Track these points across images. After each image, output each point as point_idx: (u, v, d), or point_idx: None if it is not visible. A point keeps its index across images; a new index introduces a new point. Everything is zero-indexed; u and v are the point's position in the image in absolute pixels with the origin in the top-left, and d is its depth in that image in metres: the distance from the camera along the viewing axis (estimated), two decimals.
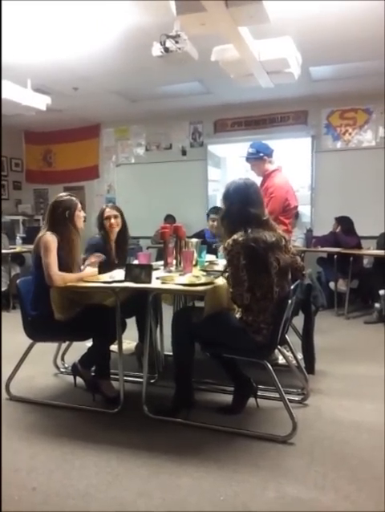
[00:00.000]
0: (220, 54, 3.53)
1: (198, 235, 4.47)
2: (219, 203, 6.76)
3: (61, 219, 2.75)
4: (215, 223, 4.41)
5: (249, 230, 2.31)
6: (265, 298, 2.32)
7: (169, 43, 2.96)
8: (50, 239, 2.65)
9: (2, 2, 3.19)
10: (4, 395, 2.85)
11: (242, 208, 2.38)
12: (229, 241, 2.31)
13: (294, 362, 2.94)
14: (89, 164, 7.59)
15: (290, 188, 3.65)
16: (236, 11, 2.68)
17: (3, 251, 5.48)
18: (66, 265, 2.69)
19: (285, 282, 2.42)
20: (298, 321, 2.88)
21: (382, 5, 3.33)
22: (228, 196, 2.48)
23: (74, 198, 2.85)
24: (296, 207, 3.77)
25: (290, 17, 3.49)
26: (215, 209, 4.65)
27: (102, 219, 3.33)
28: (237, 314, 2.42)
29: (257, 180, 3.24)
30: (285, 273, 2.41)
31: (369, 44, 4.11)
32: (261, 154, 3.62)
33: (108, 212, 3.32)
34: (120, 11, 3.42)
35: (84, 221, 2.89)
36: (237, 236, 2.30)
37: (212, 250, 3.79)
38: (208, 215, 4.59)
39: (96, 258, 2.99)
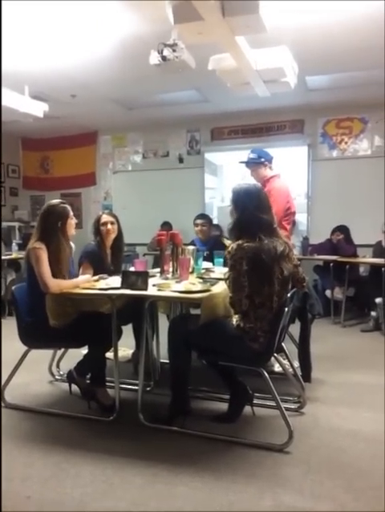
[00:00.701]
0: (217, 63, 3.56)
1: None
2: (215, 210, 6.82)
3: (52, 229, 2.76)
4: (199, 228, 4.42)
5: (264, 238, 2.27)
6: (263, 306, 2.31)
7: (167, 52, 2.98)
8: (39, 251, 2.66)
9: (2, 9, 3.20)
10: None
11: (255, 213, 2.34)
12: (233, 245, 2.29)
13: (291, 370, 2.93)
14: (86, 171, 7.59)
15: (289, 194, 3.68)
16: (233, 21, 2.70)
17: None
18: (53, 274, 2.67)
19: (285, 291, 2.40)
20: (295, 329, 2.88)
21: (379, 15, 3.37)
22: (239, 200, 2.42)
23: (66, 206, 2.86)
24: (294, 213, 3.79)
25: (287, 27, 3.52)
26: (201, 216, 4.66)
27: (98, 225, 3.32)
28: (234, 321, 2.42)
29: None
30: (286, 282, 2.40)
31: (364, 54, 4.15)
32: (263, 159, 3.67)
33: (105, 218, 3.32)
34: (118, 20, 3.44)
35: (81, 227, 2.89)
36: (241, 241, 2.28)
37: (206, 258, 3.78)
38: (193, 222, 4.58)
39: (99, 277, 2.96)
